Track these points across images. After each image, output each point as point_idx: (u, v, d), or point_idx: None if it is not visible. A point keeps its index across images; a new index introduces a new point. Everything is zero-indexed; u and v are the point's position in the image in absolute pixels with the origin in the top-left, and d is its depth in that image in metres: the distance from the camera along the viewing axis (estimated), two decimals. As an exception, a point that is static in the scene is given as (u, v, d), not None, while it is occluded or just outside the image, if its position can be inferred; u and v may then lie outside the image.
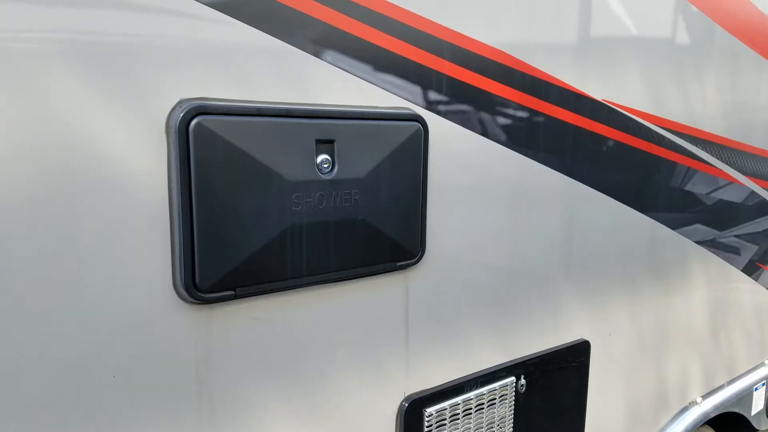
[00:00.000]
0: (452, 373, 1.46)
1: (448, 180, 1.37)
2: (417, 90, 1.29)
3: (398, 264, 1.30)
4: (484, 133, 1.41)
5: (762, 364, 2.52)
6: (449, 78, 1.33)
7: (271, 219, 1.06)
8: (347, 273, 1.21)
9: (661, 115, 1.80)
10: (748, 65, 2.12)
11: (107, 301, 0.94)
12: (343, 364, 1.25)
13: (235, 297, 1.05)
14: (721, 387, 2.30)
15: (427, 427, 1.40)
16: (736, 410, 2.36)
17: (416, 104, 1.29)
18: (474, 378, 1.49)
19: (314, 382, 1.21)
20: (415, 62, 1.26)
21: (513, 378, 1.56)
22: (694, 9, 1.89)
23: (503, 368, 1.55)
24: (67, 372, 0.92)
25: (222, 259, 1.02)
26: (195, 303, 1.02)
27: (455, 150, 1.37)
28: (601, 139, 1.66)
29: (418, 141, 1.28)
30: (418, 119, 1.28)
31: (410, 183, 1.28)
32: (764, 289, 2.43)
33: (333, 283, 1.21)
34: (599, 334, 1.78)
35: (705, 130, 1.95)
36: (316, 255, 1.14)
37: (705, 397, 2.21)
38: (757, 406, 2.48)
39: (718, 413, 2.24)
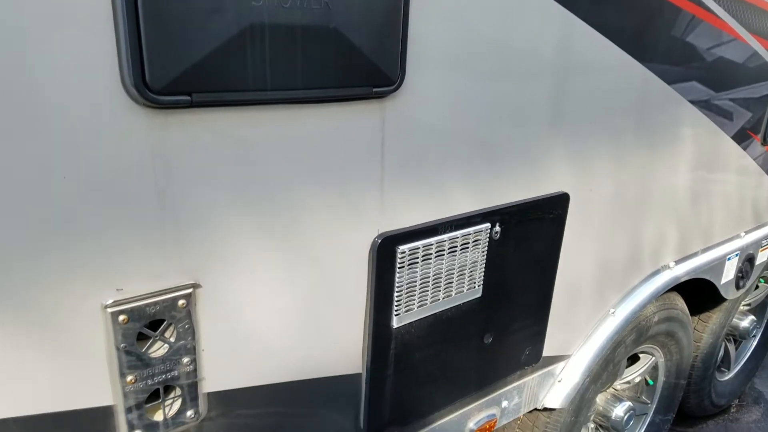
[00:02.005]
0: (427, 215, 1.43)
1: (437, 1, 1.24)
2: None
3: (374, 90, 1.20)
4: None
5: (738, 236, 2.55)
6: None
7: (228, 13, 0.95)
8: (317, 93, 1.12)
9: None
10: None
11: (53, 97, 0.85)
12: (312, 195, 1.20)
13: (191, 104, 0.97)
14: (695, 254, 2.34)
15: (399, 264, 1.39)
16: (707, 277, 2.42)
17: None
18: (449, 221, 1.46)
19: (282, 211, 1.16)
20: None
21: (488, 224, 1.54)
22: None
23: (479, 214, 1.52)
24: (14, 177, 0.85)
25: (173, 56, 0.92)
26: (148, 106, 0.94)
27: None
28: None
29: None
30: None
31: (390, -1, 1.15)
32: (751, 160, 2.40)
33: (302, 105, 1.12)
34: (580, 188, 1.74)
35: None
36: (281, 66, 1.04)
37: (678, 262, 2.25)
38: (728, 275, 2.54)
39: (688, 278, 2.29)
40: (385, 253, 1.35)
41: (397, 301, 1.41)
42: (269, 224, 1.15)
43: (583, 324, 2.01)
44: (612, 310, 2.07)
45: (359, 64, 1.15)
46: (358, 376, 1.42)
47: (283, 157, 1.13)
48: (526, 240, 1.67)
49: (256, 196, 1.12)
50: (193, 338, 1.11)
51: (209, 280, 1.10)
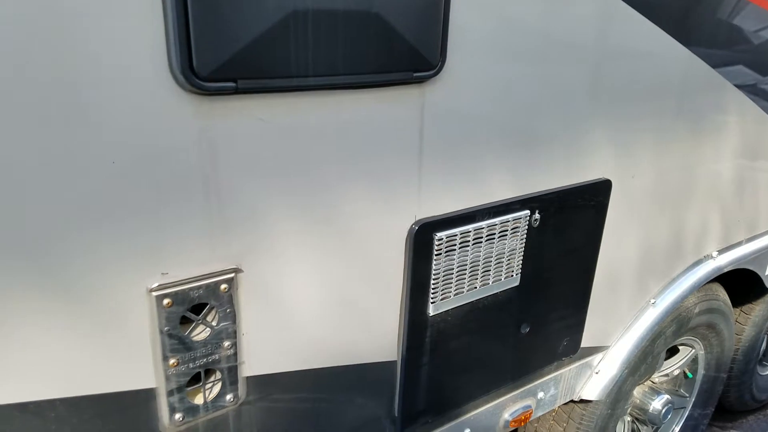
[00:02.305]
0: (465, 202, 1.41)
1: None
2: None
3: (415, 75, 1.19)
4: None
5: (783, 225, 2.46)
6: None
7: (272, 1, 0.95)
8: (358, 79, 1.11)
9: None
10: None
11: (102, 83, 0.87)
12: (352, 181, 1.20)
13: (236, 90, 0.98)
14: (738, 243, 2.26)
15: (436, 251, 1.38)
16: (751, 268, 2.34)
17: None
18: (487, 208, 1.44)
19: (322, 196, 1.17)
20: None
21: (527, 211, 1.52)
22: None
23: (518, 201, 1.50)
24: (65, 163, 0.87)
25: (220, 43, 0.93)
26: (194, 92, 0.95)
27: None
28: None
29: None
30: None
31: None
32: (799, 147, 2.30)
33: (343, 90, 1.12)
34: (622, 174, 1.70)
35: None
36: (323, 52, 1.04)
37: (721, 252, 2.18)
38: (772, 266, 2.46)
39: (731, 269, 2.22)
40: (422, 240, 1.35)
41: (433, 289, 1.40)
42: (309, 211, 1.15)
43: (622, 315, 1.97)
44: (652, 301, 2.02)
45: (400, 49, 1.14)
46: (393, 363, 1.42)
47: (324, 144, 1.13)
48: (566, 227, 1.64)
49: (296, 183, 1.12)
50: (234, 322, 1.12)
51: (251, 265, 1.11)
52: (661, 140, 1.76)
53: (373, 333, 1.36)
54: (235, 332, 1.13)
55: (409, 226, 1.33)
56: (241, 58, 0.96)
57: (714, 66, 1.77)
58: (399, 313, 1.38)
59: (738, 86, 1.88)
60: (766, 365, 3.25)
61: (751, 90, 1.94)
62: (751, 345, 2.86)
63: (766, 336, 3.04)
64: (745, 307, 2.75)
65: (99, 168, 0.91)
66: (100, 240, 0.94)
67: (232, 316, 1.12)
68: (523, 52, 1.36)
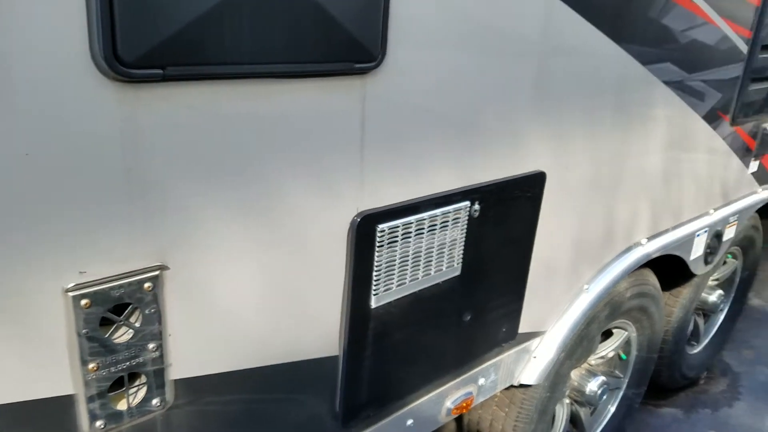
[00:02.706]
0: (407, 193, 1.42)
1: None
2: None
3: (356, 66, 1.19)
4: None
5: (707, 213, 2.62)
6: None
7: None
8: (296, 68, 1.10)
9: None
10: None
11: (15, 67, 0.82)
12: (290, 172, 1.18)
13: (164, 78, 0.94)
14: (666, 231, 2.39)
15: (379, 243, 1.39)
16: (677, 253, 2.48)
17: None
18: (429, 199, 1.46)
19: (259, 188, 1.14)
20: None
21: (467, 203, 1.55)
22: None
23: (458, 192, 1.53)
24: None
25: (147, 27, 0.89)
26: (118, 79, 0.90)
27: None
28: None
29: None
30: None
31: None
32: (721, 140, 2.45)
33: (280, 79, 1.10)
34: (556, 167, 1.76)
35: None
36: (259, 40, 1.02)
37: (650, 239, 2.30)
38: (697, 251, 2.61)
39: (659, 255, 2.34)
40: (364, 232, 1.35)
41: (375, 281, 1.41)
42: (243, 203, 1.13)
43: (558, 300, 2.05)
44: (586, 287, 2.11)
45: (340, 40, 1.13)
46: (334, 358, 1.42)
47: (260, 134, 1.11)
48: (504, 218, 1.69)
49: (229, 174, 1.09)
50: (160, 323, 1.08)
51: (178, 261, 1.07)
52: (594, 134, 1.84)
53: (314, 328, 1.35)
54: (161, 333, 1.08)
55: (351, 218, 1.33)
56: (170, 44, 0.92)
57: (644, 63, 1.85)
58: (340, 306, 1.38)
59: (666, 83, 1.98)
60: (693, 344, 3.46)
61: (677, 86, 2.04)
62: (680, 326, 3.04)
63: (693, 317, 3.23)
64: (673, 291, 2.92)
65: (10, 159, 0.85)
66: (10, 235, 0.88)
67: (158, 316, 1.07)
68: (465, 44, 1.37)
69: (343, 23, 1.11)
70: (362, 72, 1.20)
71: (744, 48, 2.30)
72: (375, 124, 1.28)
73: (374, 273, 1.41)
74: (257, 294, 1.22)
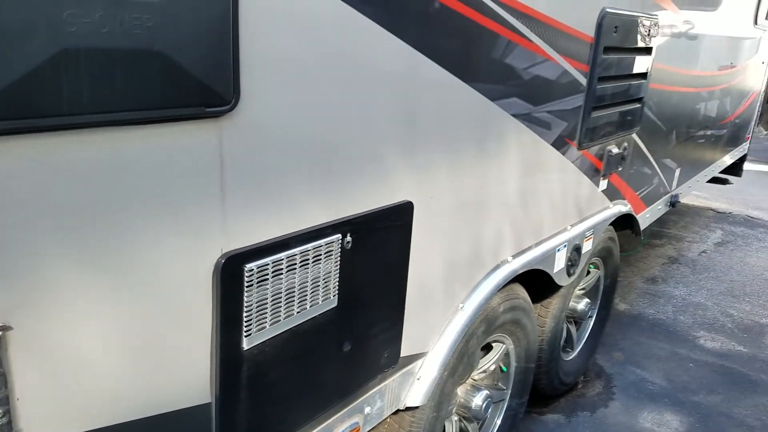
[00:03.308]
0: (276, 230, 1.44)
1: (269, 23, 1.27)
2: None
3: (208, 110, 1.20)
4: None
5: (565, 229, 2.88)
6: None
7: (39, 38, 0.90)
8: (142, 114, 1.09)
9: (484, -19, 1.83)
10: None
11: None
12: (147, 219, 1.16)
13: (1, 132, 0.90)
14: (529, 248, 2.60)
15: (248, 283, 1.39)
16: (542, 268, 2.69)
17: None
18: (299, 234, 1.49)
19: (113, 239, 1.11)
20: None
21: (339, 235, 1.60)
22: None
23: (329, 226, 1.57)
24: None
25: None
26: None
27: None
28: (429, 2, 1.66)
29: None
30: (223, -55, 1.15)
31: (217, 12, 1.15)
32: (570, 163, 2.72)
33: (128, 127, 1.09)
34: (423, 196, 1.87)
35: (524, 3, 2.03)
36: (103, 90, 1.01)
37: (515, 256, 2.49)
38: (559, 264, 2.86)
39: (525, 270, 2.54)
40: (230, 273, 1.34)
41: (247, 321, 1.41)
42: (96, 255, 1.09)
43: (436, 321, 2.15)
44: (461, 305, 2.23)
45: (189, 86, 1.14)
46: (206, 406, 1.38)
47: (111, 183, 1.08)
48: (377, 247, 1.75)
49: (80, 226, 1.05)
50: (6, 387, 1.00)
51: (24, 320, 1.01)
52: (456, 164, 1.98)
53: (182, 377, 1.31)
54: (7, 398, 1.01)
55: (215, 261, 1.32)
56: (4, 98, 0.89)
57: (493, 100, 2.03)
58: (210, 351, 1.36)
59: (514, 115, 2.18)
60: (568, 351, 3.74)
61: (525, 118, 2.26)
62: (553, 335, 3.28)
63: (565, 325, 3.50)
64: (544, 302, 3.15)
65: None
66: None
67: (3, 380, 1.00)
68: (325, 79, 1.43)
69: (189, 69, 1.12)
70: (216, 115, 1.22)
71: (583, 80, 2.59)
72: (235, 165, 1.30)
73: (245, 314, 1.40)
74: (116, 348, 1.16)
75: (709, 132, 5.06)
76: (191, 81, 1.14)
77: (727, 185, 6.99)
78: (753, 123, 6.93)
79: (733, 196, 8.09)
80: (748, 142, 6.97)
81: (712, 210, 7.67)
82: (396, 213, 1.79)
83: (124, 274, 1.14)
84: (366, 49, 1.53)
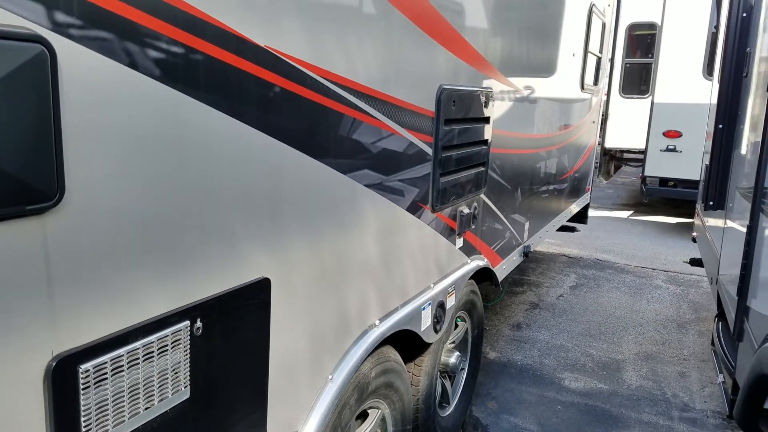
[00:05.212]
0: (113, 325, 1.37)
1: (90, 113, 1.25)
2: (39, 9, 1.14)
3: (28, 208, 1.14)
4: (133, 65, 1.33)
5: (428, 288, 3.02)
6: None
7: None
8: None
9: (325, 67, 1.95)
10: (400, 29, 2.43)
11: None
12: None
13: None
14: (395, 309, 2.68)
15: (84, 385, 1.29)
16: (409, 327, 2.78)
17: (40, 24, 1.14)
18: (141, 326, 1.42)
19: None
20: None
21: (188, 322, 1.55)
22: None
23: (176, 313, 1.52)
24: None
25: None
26: None
27: (98, 81, 1.26)
28: (268, 85, 1.73)
29: (43, 66, 1.14)
30: (41, 41, 1.13)
31: (37, 114, 1.13)
32: (426, 225, 2.89)
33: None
34: (279, 271, 1.88)
35: (366, 85, 2.19)
36: None
37: (382, 319, 2.55)
38: (426, 322, 2.97)
39: (393, 332, 2.61)
40: (63, 377, 1.25)
41: (86, 426, 1.30)
42: None
43: (305, 397, 2.12)
44: (330, 376, 2.22)
45: (7, 185, 1.09)
46: None
47: None
48: (233, 329, 1.72)
49: None
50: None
51: None
52: (313, 235, 2.02)
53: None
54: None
55: (46, 364, 1.22)
56: None
57: (345, 172, 2.13)
58: (43, 464, 1.23)
59: (367, 185, 2.30)
60: (445, 406, 3.83)
61: (378, 187, 2.39)
62: (428, 392, 3.35)
63: (439, 381, 3.60)
64: (416, 361, 3.23)
65: None
66: None
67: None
68: (158, 162, 1.42)
69: (8, 170, 1.08)
70: (39, 212, 1.16)
71: (429, 150, 2.80)
72: (62, 261, 1.23)
73: (83, 418, 1.30)
74: None
75: (551, 186, 5.65)
76: (9, 180, 1.09)
77: (576, 232, 7.76)
78: (591, 175, 7.86)
79: (582, 242, 9.00)
80: (589, 192, 7.87)
81: (565, 256, 8.44)
82: (252, 291, 1.78)
83: None
84: (204, 132, 1.55)
